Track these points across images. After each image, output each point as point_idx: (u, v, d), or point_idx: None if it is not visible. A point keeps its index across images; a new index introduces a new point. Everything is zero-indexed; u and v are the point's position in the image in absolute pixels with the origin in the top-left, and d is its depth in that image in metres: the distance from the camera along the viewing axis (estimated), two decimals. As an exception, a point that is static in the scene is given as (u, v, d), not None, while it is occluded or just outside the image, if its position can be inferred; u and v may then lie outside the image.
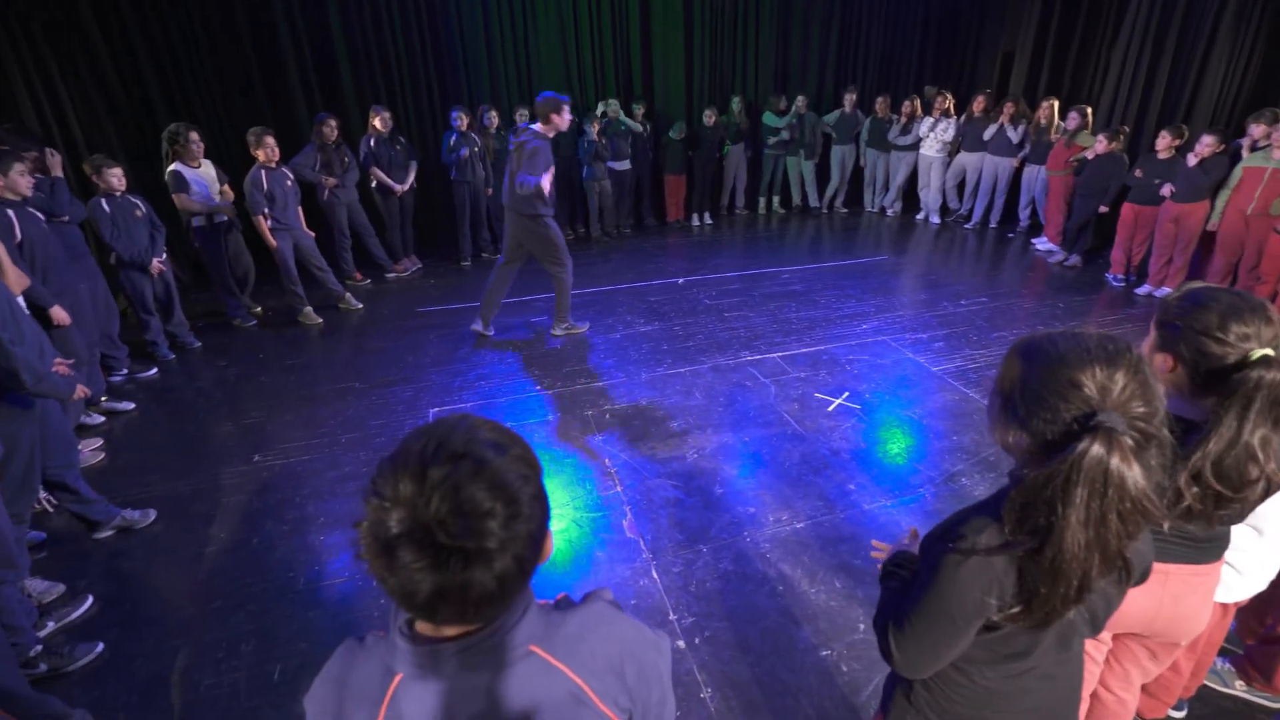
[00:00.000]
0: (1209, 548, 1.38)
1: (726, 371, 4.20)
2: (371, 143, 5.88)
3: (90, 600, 2.54)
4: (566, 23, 7.26)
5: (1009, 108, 6.92)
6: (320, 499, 3.10)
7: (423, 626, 0.73)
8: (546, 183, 4.15)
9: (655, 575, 2.57)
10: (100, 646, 2.33)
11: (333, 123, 5.54)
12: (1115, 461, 0.78)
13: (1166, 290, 5.29)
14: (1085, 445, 0.79)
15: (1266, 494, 1.18)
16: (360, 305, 5.46)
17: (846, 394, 3.87)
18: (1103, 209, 5.92)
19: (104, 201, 4.12)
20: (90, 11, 5.23)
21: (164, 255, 4.44)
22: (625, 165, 7.19)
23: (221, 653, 2.31)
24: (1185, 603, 1.42)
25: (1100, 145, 5.81)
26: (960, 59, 8.83)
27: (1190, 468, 1.14)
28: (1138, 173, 5.50)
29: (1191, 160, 5.00)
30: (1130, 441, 0.80)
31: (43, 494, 2.89)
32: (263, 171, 4.79)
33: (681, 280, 5.94)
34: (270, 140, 4.80)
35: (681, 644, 2.26)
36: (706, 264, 6.43)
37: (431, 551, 0.62)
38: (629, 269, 6.34)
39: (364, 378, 4.23)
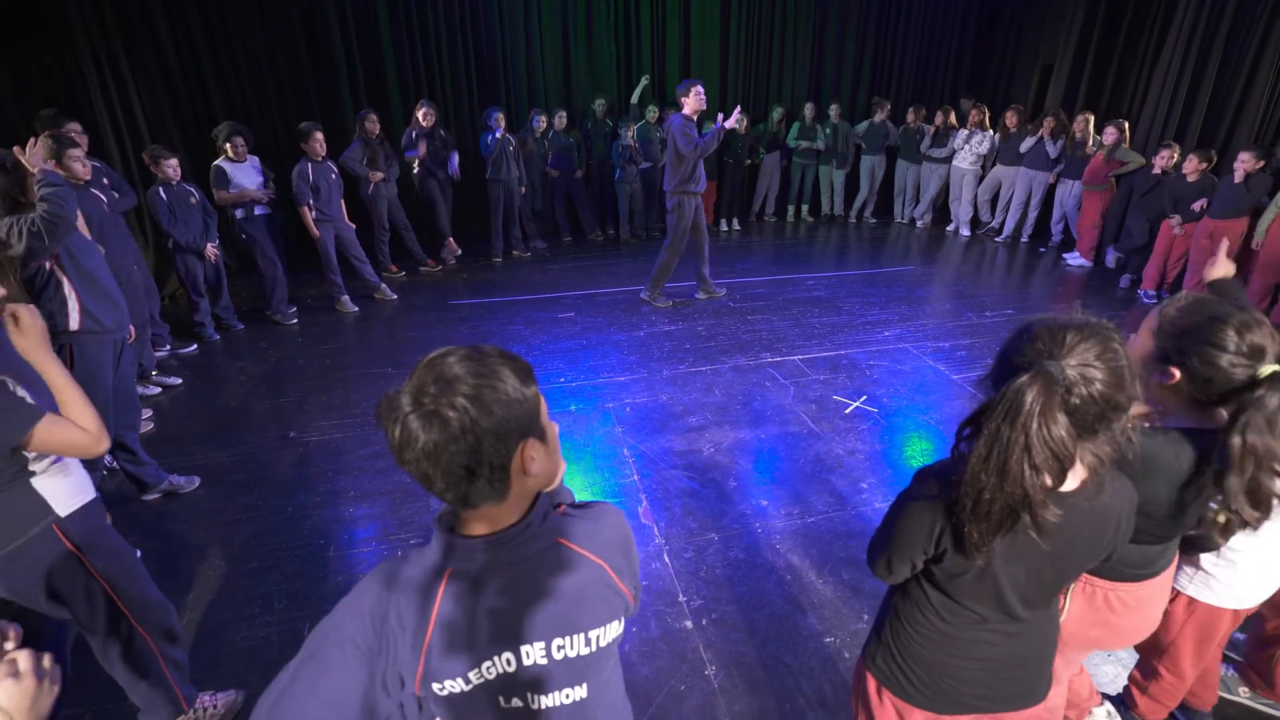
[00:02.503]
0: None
1: (747, 371, 4.26)
2: (414, 134, 6.11)
3: (139, 554, 2.70)
4: (603, 28, 7.42)
5: (1049, 121, 6.87)
6: (351, 474, 3.25)
7: (460, 525, 0.85)
8: (730, 122, 4.82)
9: (667, 559, 2.66)
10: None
11: (374, 117, 5.76)
12: (1032, 396, 0.87)
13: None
14: (1018, 380, 0.89)
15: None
16: (394, 296, 5.65)
17: (864, 397, 3.91)
18: (1137, 220, 5.84)
19: (161, 190, 4.35)
20: (159, 6, 5.52)
21: (217, 240, 4.68)
22: (647, 165, 7.31)
23: (255, 609, 2.46)
24: (1153, 610, 1.47)
25: (1162, 161, 5.66)
26: (997, 71, 8.77)
27: (1226, 505, 1.15)
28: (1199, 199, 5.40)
29: (1238, 176, 4.93)
30: (1066, 393, 0.89)
31: (105, 458, 3.10)
32: (309, 164, 5.01)
33: (707, 283, 6.01)
34: (319, 135, 5.02)
35: (689, 624, 2.34)
36: (733, 268, 6.51)
37: (418, 408, 0.74)
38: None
39: (396, 363, 4.41)
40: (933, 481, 1.05)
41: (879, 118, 7.89)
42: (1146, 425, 1.37)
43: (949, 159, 7.67)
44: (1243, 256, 5.15)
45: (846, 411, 3.76)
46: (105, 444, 1.51)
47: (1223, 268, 1.88)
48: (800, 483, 3.14)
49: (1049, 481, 0.91)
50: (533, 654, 0.87)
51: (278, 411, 3.86)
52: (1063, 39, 7.76)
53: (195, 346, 4.67)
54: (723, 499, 3.02)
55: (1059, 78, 7.85)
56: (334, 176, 5.21)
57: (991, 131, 7.37)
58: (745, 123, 7.57)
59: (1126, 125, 6.23)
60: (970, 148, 7.44)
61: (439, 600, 0.83)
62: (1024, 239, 7.47)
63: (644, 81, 7.28)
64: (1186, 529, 1.30)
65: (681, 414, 3.75)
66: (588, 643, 0.90)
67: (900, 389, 4.04)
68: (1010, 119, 7.12)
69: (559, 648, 0.88)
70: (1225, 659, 2.15)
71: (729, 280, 6.08)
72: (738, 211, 8.15)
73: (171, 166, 4.37)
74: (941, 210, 8.14)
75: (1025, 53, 8.47)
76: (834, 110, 7.89)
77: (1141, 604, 1.39)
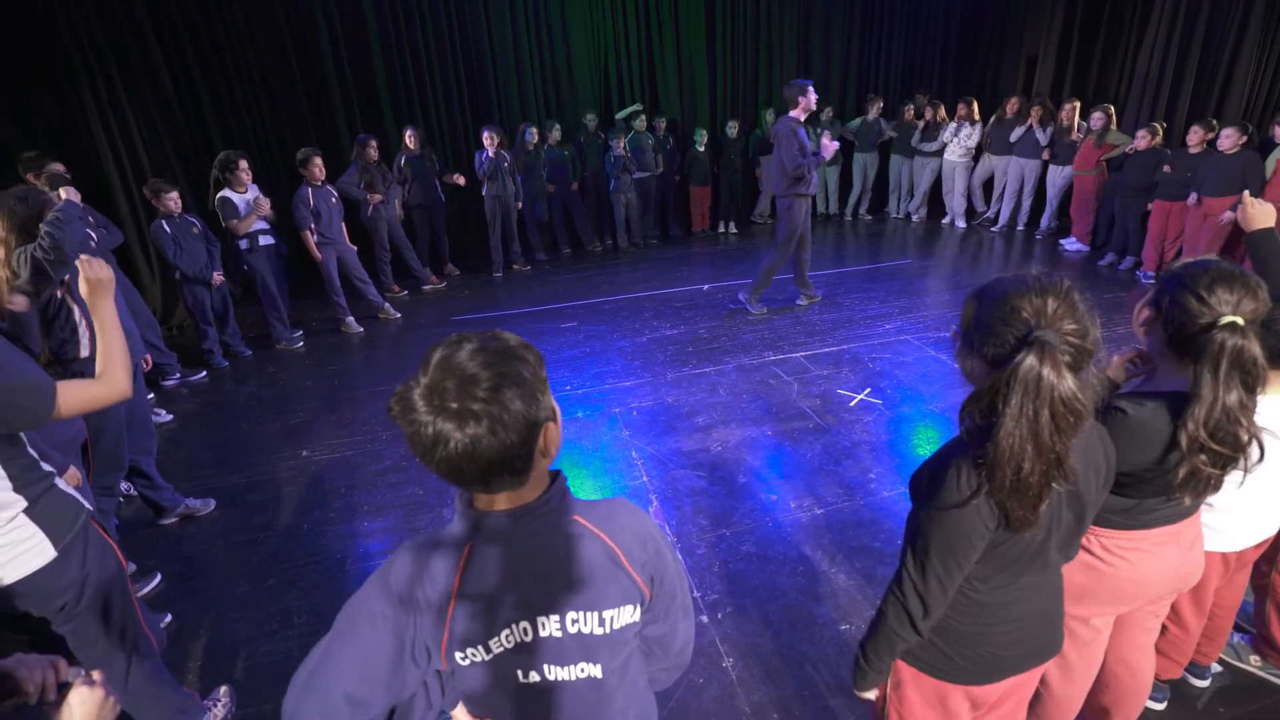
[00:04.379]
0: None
1: (750, 370, 4.30)
2: (403, 160, 6.22)
3: (159, 577, 2.75)
4: (593, 41, 7.53)
5: (1036, 110, 6.93)
6: (364, 489, 3.29)
7: (480, 502, 0.89)
8: (828, 152, 4.82)
9: (680, 556, 2.68)
10: (169, 617, 2.53)
11: (373, 143, 5.85)
12: (1047, 369, 0.92)
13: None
14: (1022, 356, 0.93)
15: (1263, 456, 1.22)
16: (398, 315, 5.72)
17: (868, 390, 3.94)
18: (1134, 202, 5.87)
19: (164, 223, 4.42)
20: (155, 38, 5.64)
21: (221, 268, 4.75)
22: (647, 175, 7.39)
23: (275, 625, 2.49)
24: (1194, 552, 1.48)
25: (1141, 141, 5.73)
26: (983, 64, 8.85)
27: (1189, 439, 1.20)
28: (1166, 168, 5.46)
29: (1223, 145, 4.95)
30: (1062, 354, 0.94)
31: (123, 484, 3.15)
32: (309, 189, 5.09)
33: (707, 286, 6.08)
34: (318, 160, 5.11)
35: (705, 618, 2.36)
36: (732, 270, 6.56)
37: (443, 413, 0.76)
38: (655, 276, 6.51)
39: (403, 380, 4.43)
40: (961, 479, 1.02)
41: (872, 115, 7.96)
42: (1138, 377, 1.41)
43: (940, 152, 7.73)
44: (1235, 234, 5.17)
45: (851, 404, 3.79)
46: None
47: (1264, 214, 1.72)
48: (808, 476, 3.16)
49: (1073, 437, 0.96)
50: (549, 625, 0.91)
51: (289, 432, 3.91)
52: (1045, 29, 7.85)
53: (204, 374, 4.74)
54: (732, 495, 3.05)
55: (1044, 67, 7.93)
56: (334, 200, 5.29)
57: (980, 123, 7.43)
58: (736, 128, 7.67)
59: (1113, 110, 6.28)
60: (959, 141, 7.50)
61: (461, 572, 0.87)
62: (1019, 227, 7.51)
63: (636, 107, 7.39)
64: (1166, 490, 1.32)
65: (688, 415, 3.78)
66: (601, 622, 0.92)
67: (903, 380, 4.06)
68: (1011, 106, 7.18)
69: (573, 621, 0.91)
70: (1237, 628, 2.16)
71: (730, 283, 6.13)
72: (734, 215, 8.21)
73: (173, 200, 4.44)
74: (936, 203, 8.18)
75: (1010, 44, 8.55)
76: (827, 112, 7.98)
77: (1126, 555, 1.41)
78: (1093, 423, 1.13)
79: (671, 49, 7.83)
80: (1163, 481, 1.29)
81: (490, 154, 6.36)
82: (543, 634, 0.91)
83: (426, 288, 6.53)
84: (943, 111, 7.72)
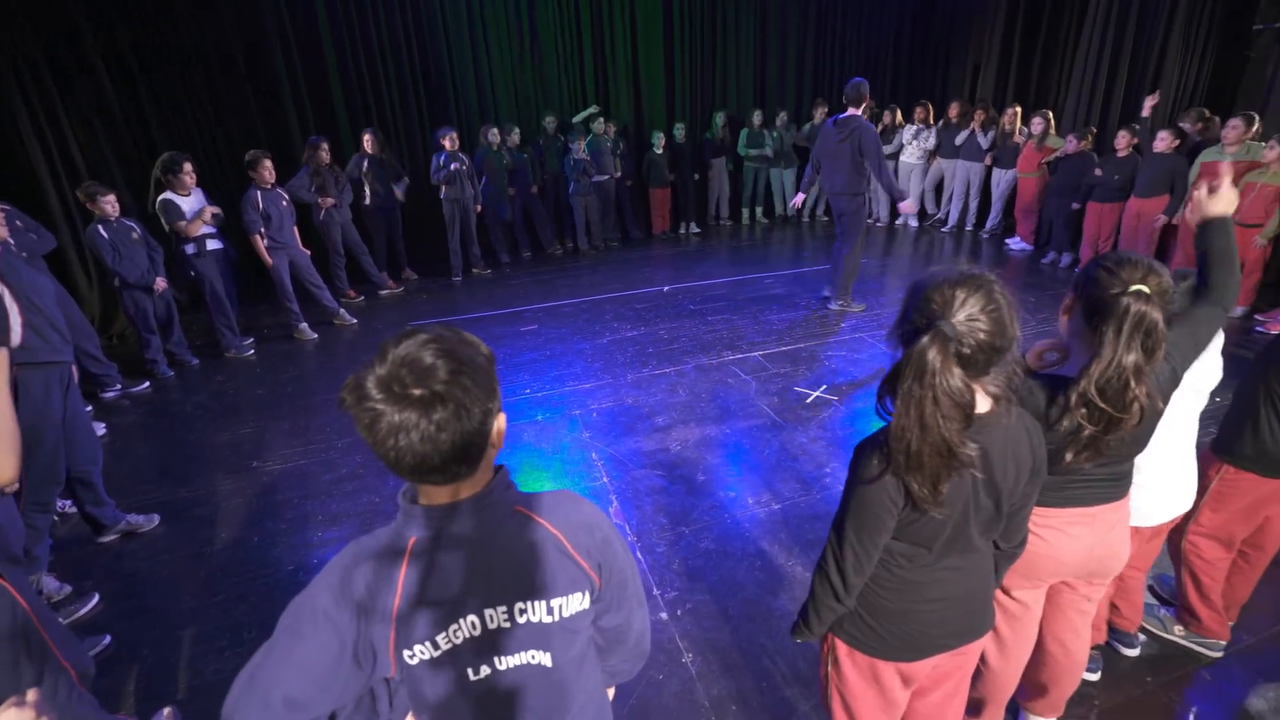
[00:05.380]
0: (1120, 485, 1.52)
1: (709, 370, 4.34)
2: (365, 164, 6.10)
3: (96, 598, 2.63)
4: (551, 44, 7.52)
5: (979, 115, 7.19)
6: (318, 499, 3.21)
7: (424, 496, 0.89)
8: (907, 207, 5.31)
9: (640, 556, 2.69)
10: (108, 639, 2.42)
11: (325, 145, 5.73)
12: (935, 356, 0.98)
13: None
14: (919, 342, 1.00)
15: (1142, 419, 1.30)
16: (354, 321, 5.60)
17: (824, 387, 4.02)
18: (1075, 205, 6.15)
19: (101, 228, 4.23)
20: (90, 33, 5.41)
21: (164, 273, 4.58)
22: (606, 178, 7.39)
23: (224, 641, 2.41)
24: (1112, 538, 1.56)
25: (1070, 145, 6.05)
26: (932, 70, 9.14)
27: (1079, 390, 1.27)
28: (1098, 171, 5.73)
29: (1158, 146, 5.21)
30: (959, 346, 1.00)
31: (62, 501, 3.01)
32: (258, 192, 4.95)
33: (667, 288, 6.12)
34: (267, 163, 4.97)
35: (664, 616, 2.38)
36: (692, 272, 6.62)
37: (403, 401, 0.76)
38: (616, 279, 6.52)
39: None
40: (873, 458, 1.11)
41: (819, 118, 8.13)
42: (1053, 360, 1.49)
43: (896, 155, 7.95)
44: (1167, 236, 5.45)
45: (808, 401, 3.86)
46: (12, 475, 1.44)
47: (1224, 201, 1.59)
48: (766, 472, 3.21)
49: (958, 427, 1.02)
50: (497, 617, 0.91)
51: (238, 443, 3.79)
52: (988, 38, 8.15)
53: (148, 384, 4.56)
54: (692, 493, 3.07)
55: (987, 73, 8.24)
56: (285, 203, 5.15)
57: (935, 127, 7.67)
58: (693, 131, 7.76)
59: (1051, 115, 6.56)
60: (917, 143, 7.73)
61: (404, 568, 0.86)
62: (968, 227, 7.76)
63: (593, 109, 7.41)
64: (1057, 460, 1.39)
65: (648, 415, 3.80)
66: (550, 610, 0.93)
67: (858, 376, 4.16)
68: (953, 111, 7.44)
69: (521, 612, 0.91)
70: (1163, 601, 2.28)
71: (691, 284, 6.19)
72: (694, 215, 8.30)
73: (109, 203, 4.26)
74: (889, 204, 8.40)
75: (956, 51, 8.86)
76: (781, 117, 8.13)
77: (1038, 531, 1.48)
78: (1021, 414, 1.19)
79: (626, 53, 7.87)
80: (1053, 452, 1.36)
81: (444, 160, 6.28)
82: (491, 626, 0.91)
83: (384, 292, 6.41)
84: (899, 115, 7.94)
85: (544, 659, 0.95)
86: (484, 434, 0.83)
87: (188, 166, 4.63)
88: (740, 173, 8.42)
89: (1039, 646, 1.74)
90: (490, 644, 0.92)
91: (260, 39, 6.26)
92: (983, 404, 1.13)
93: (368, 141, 6.09)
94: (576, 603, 0.95)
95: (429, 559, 0.87)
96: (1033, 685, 1.84)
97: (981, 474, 1.11)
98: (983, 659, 1.69)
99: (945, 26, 8.87)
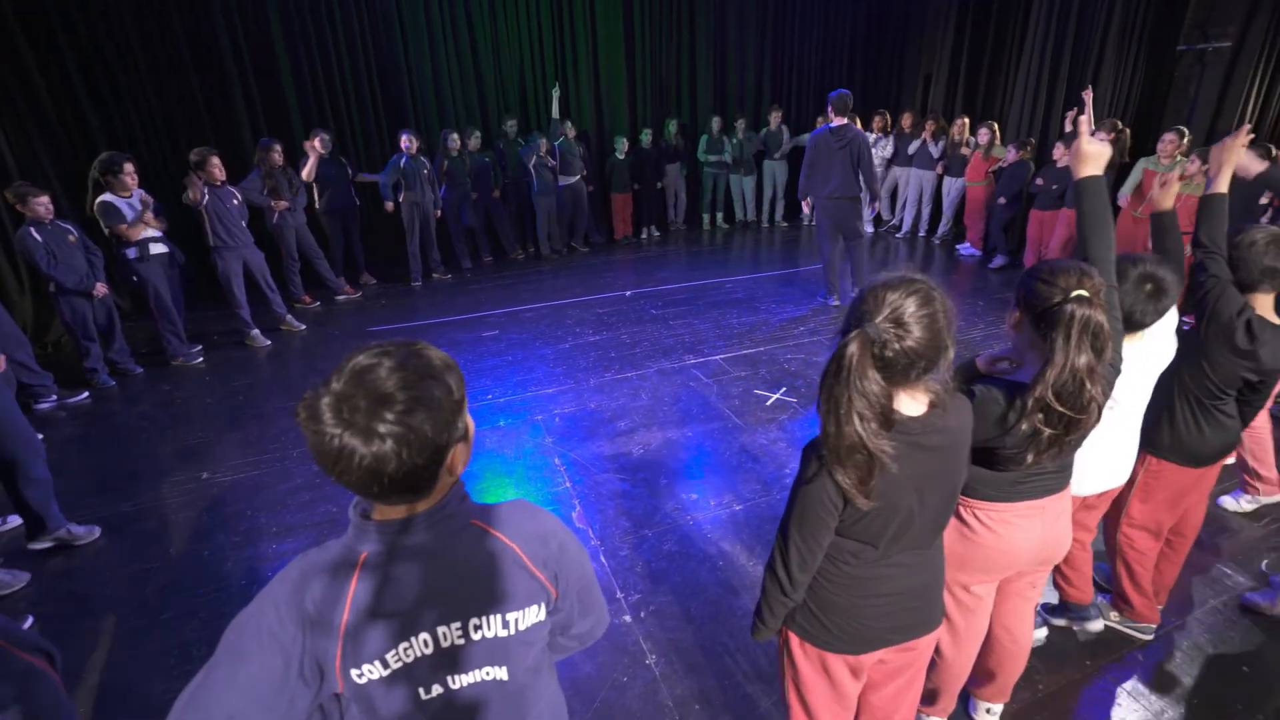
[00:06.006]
0: (1065, 475, 1.61)
1: (671, 374, 4.39)
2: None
3: (30, 620, 2.51)
4: (510, 45, 7.49)
5: (930, 125, 7.45)
6: (272, 510, 3.13)
7: (377, 512, 0.87)
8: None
9: (603, 560, 2.70)
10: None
11: (278, 147, 5.58)
12: (851, 354, 1.03)
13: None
14: (843, 341, 1.05)
15: (1098, 417, 1.37)
16: (303, 326, 5.46)
17: (784, 389, 4.10)
18: (1001, 200, 6.46)
19: (34, 231, 4.04)
20: (19, 27, 5.16)
21: (104, 278, 4.39)
22: (572, 180, 7.39)
23: (173, 660, 2.33)
24: (1059, 526, 1.64)
25: (1011, 155, 6.35)
26: (887, 80, 9.42)
27: (1036, 395, 1.32)
28: (1039, 181, 6.00)
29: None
30: (880, 348, 1.04)
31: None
32: (208, 188, 4.82)
33: (629, 293, 6.15)
34: (215, 160, 4.83)
35: (628, 618, 2.40)
36: (653, 276, 6.67)
37: (351, 428, 0.75)
38: (578, 283, 6.52)
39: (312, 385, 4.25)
40: (813, 458, 1.16)
41: (774, 124, 8.30)
42: (1005, 368, 1.56)
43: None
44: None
45: (768, 404, 3.94)
46: None
47: (1170, 195, 1.98)
48: (727, 474, 3.27)
49: (875, 426, 1.05)
50: (450, 635, 0.88)
51: (187, 454, 3.66)
52: (938, 52, 8.46)
53: (87, 395, 4.35)
54: (654, 496, 3.10)
55: (938, 85, 8.54)
56: (236, 201, 5.02)
57: (892, 134, 7.91)
58: (653, 137, 7.83)
59: (996, 126, 6.85)
60: (876, 151, 7.95)
61: (354, 585, 0.84)
62: (921, 233, 8.02)
63: (556, 92, 7.34)
64: (1020, 461, 1.46)
65: (610, 419, 3.81)
66: (505, 625, 0.91)
67: (816, 379, 4.24)
68: (905, 121, 7.69)
69: (476, 628, 0.89)
70: (1099, 588, 2.40)
71: (653, 289, 6.23)
72: (655, 220, 8.37)
73: (42, 205, 4.06)
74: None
75: (909, 63, 9.16)
76: (740, 124, 8.27)
77: (993, 527, 1.56)
78: (962, 411, 1.24)
79: (587, 59, 7.89)
80: (1014, 454, 1.43)
81: (403, 162, 6.19)
82: (444, 644, 0.88)
83: (341, 298, 6.27)
84: (858, 124, 8.15)
85: (500, 674, 0.94)
86: (433, 469, 0.81)
87: (128, 167, 4.45)
88: (698, 179, 8.54)
89: (987, 635, 1.81)
90: (444, 662, 0.89)
91: (209, 36, 6.07)
92: (916, 408, 1.16)
93: (318, 142, 5.96)
94: (533, 615, 0.94)
95: (381, 574, 0.85)
96: (982, 672, 1.92)
97: (915, 470, 1.15)
98: (938, 650, 1.76)
99: (898, 39, 9.17)
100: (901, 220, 8.15)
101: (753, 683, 2.13)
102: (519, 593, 0.92)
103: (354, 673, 0.85)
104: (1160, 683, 2.11)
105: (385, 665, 0.86)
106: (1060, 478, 1.60)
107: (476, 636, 0.90)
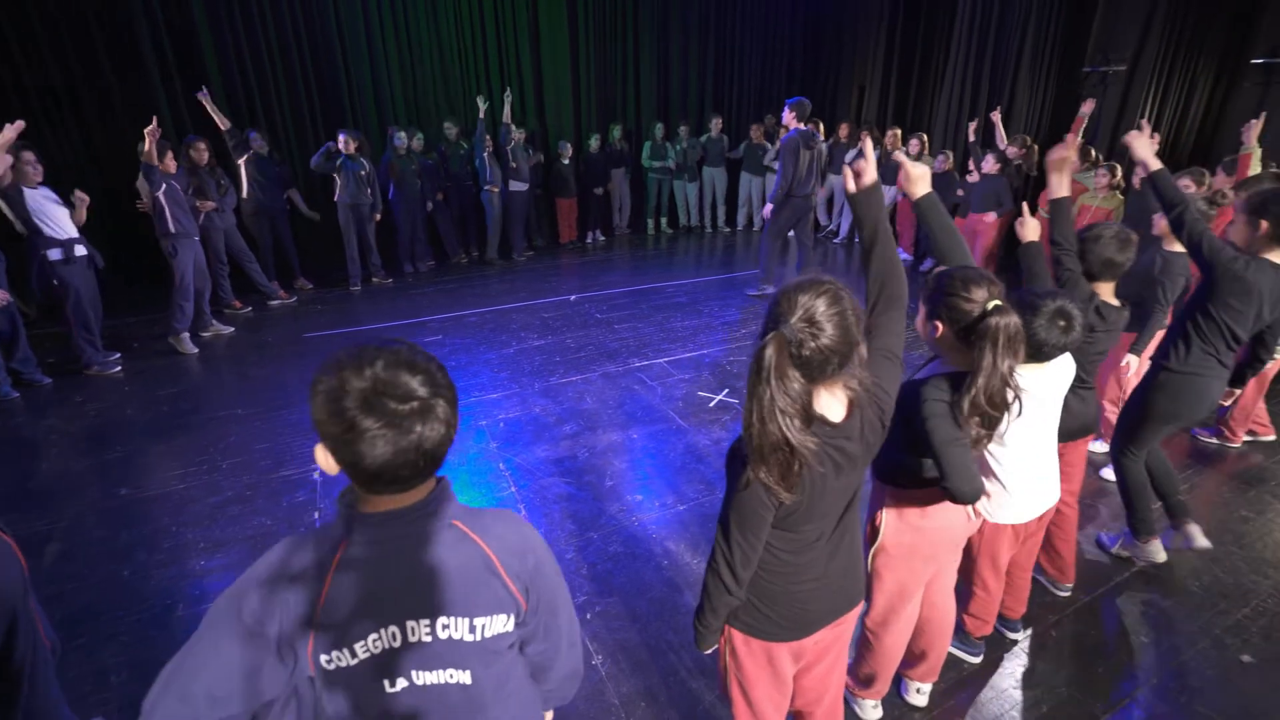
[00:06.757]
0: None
1: (616, 377, 4.42)
2: (243, 160, 5.76)
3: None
4: (448, 46, 7.38)
5: (865, 135, 7.74)
6: (200, 525, 2.99)
7: (364, 504, 0.89)
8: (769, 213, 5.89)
9: (565, 583, 2.70)
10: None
11: (202, 145, 5.33)
12: (769, 354, 1.09)
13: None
14: (761, 342, 1.10)
15: (1021, 411, 1.50)
16: (230, 329, 5.23)
17: (727, 390, 4.20)
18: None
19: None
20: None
21: (5, 284, 4.09)
22: (523, 187, 7.33)
23: (88, 687, 2.20)
24: (949, 518, 1.76)
25: (939, 164, 6.67)
26: (823, 90, 9.76)
27: (971, 400, 1.43)
28: (960, 191, 6.36)
29: (986, 168, 5.91)
30: (796, 348, 1.10)
31: None
32: (163, 178, 4.69)
33: (574, 297, 6.16)
34: (170, 150, 4.76)
35: (574, 621, 2.41)
36: (598, 281, 6.69)
37: (381, 416, 0.79)
38: (523, 288, 6.49)
39: (248, 404, 4.09)
40: (739, 463, 1.20)
41: (715, 132, 8.48)
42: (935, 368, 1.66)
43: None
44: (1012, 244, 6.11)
45: (711, 405, 4.02)
46: None
47: (1032, 229, 2.22)
48: (672, 475, 3.32)
49: (798, 423, 1.11)
50: (419, 630, 0.90)
51: (103, 469, 3.45)
52: (870, 62, 8.83)
53: (-16, 407, 4.05)
54: (599, 499, 3.13)
55: (871, 96, 8.91)
56: (189, 193, 4.89)
57: (829, 143, 8.19)
58: (599, 143, 7.86)
59: (926, 137, 7.21)
60: (810, 159, 8.21)
61: (332, 572, 0.86)
62: (857, 239, 8.33)
63: (508, 96, 7.18)
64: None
65: (555, 424, 3.82)
66: (472, 629, 0.92)
67: (758, 380, 4.37)
68: (843, 131, 7.99)
69: (444, 627, 0.91)
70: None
71: (597, 293, 6.26)
72: (600, 224, 8.40)
73: None
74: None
75: (844, 74, 9.51)
76: (683, 130, 8.40)
77: (936, 514, 1.67)
78: (872, 402, 1.30)
79: (530, 64, 7.87)
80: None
81: (346, 157, 6.01)
82: (412, 639, 0.90)
83: (274, 303, 6.03)
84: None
85: (463, 677, 0.95)
86: (431, 466, 0.86)
87: (29, 156, 4.15)
88: (643, 184, 8.62)
89: (919, 617, 1.92)
90: (409, 658, 0.91)
91: (127, 29, 5.75)
92: (837, 409, 1.23)
93: (253, 141, 5.75)
94: (500, 624, 0.95)
95: (358, 564, 0.87)
96: (913, 654, 2.04)
97: (834, 468, 1.22)
98: (876, 636, 1.85)
99: (834, 51, 9.51)
100: (838, 226, 8.45)
101: (696, 678, 2.18)
102: (488, 599, 0.93)
103: (324, 658, 0.87)
104: (1074, 655, 2.28)
105: (353, 654, 0.88)
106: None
107: (444, 636, 0.91)
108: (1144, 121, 2.46)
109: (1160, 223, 2.92)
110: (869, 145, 2.13)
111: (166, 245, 4.79)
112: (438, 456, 0.86)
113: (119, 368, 4.66)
